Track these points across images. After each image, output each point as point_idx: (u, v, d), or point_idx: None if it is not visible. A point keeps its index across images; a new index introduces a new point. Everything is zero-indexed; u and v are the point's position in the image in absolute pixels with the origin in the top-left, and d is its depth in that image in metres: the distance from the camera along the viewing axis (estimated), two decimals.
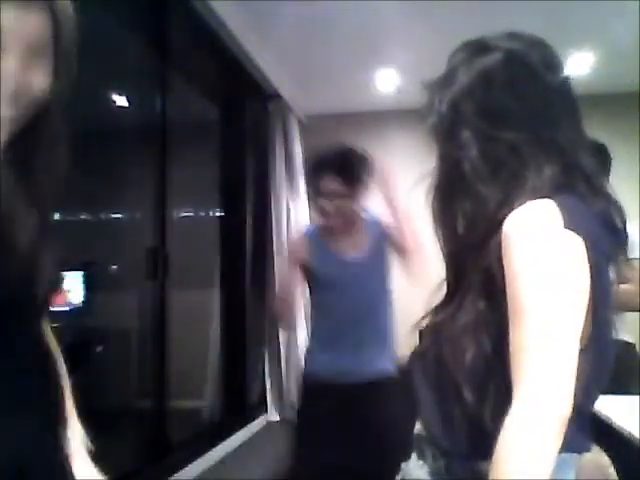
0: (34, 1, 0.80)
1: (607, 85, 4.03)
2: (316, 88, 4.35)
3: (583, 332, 0.84)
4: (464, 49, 1.00)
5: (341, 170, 2.05)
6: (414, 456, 1.03)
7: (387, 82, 4.20)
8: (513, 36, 0.98)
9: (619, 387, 1.90)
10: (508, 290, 0.83)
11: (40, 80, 0.82)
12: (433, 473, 0.95)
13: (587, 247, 0.83)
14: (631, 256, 2.17)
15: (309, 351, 2.29)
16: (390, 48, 3.68)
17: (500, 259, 0.85)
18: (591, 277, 0.83)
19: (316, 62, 3.88)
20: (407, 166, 4.56)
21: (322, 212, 2.12)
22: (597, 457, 1.29)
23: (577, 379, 0.85)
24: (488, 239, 0.87)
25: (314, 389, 2.18)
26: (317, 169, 2.09)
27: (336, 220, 2.12)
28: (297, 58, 3.83)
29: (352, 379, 2.09)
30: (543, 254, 0.82)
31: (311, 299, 2.31)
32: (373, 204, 2.24)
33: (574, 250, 0.82)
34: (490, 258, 0.87)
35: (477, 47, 0.98)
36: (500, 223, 0.86)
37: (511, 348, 0.82)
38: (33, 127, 0.84)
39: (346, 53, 3.69)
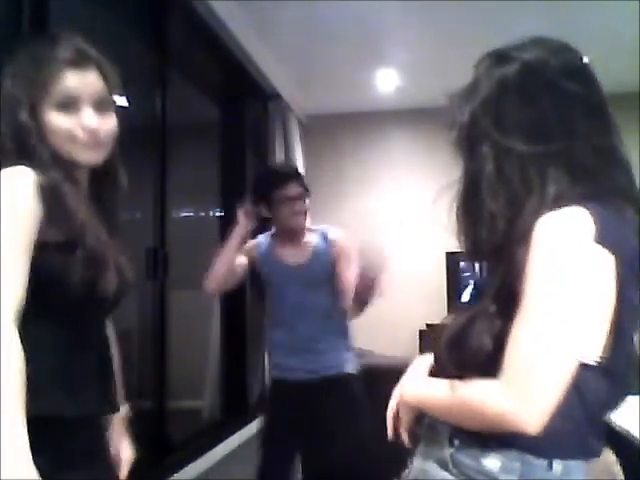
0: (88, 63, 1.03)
1: (607, 85, 4.01)
2: (316, 88, 4.35)
3: (605, 344, 0.85)
4: (487, 59, 1.00)
5: (300, 178, 2.43)
6: (421, 446, 1.04)
7: (387, 82, 4.20)
8: (535, 43, 0.97)
9: None
10: (524, 287, 0.83)
11: (109, 125, 1.08)
12: (439, 462, 0.96)
13: (617, 262, 0.82)
14: None
15: (272, 354, 2.50)
16: (390, 48, 3.69)
17: (521, 265, 0.84)
18: (617, 292, 0.83)
19: (316, 62, 3.88)
20: (407, 166, 4.59)
21: (293, 213, 2.35)
22: (604, 455, 1.30)
23: (593, 389, 0.86)
24: (505, 250, 0.88)
25: (278, 390, 2.39)
26: (283, 178, 2.38)
27: (303, 220, 2.39)
28: (297, 58, 3.83)
29: (309, 377, 2.28)
30: (566, 264, 0.82)
31: (266, 306, 2.50)
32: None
33: (599, 265, 0.82)
34: (507, 266, 0.87)
35: (497, 57, 0.98)
36: (515, 236, 0.87)
37: (510, 340, 0.83)
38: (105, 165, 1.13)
39: (346, 53, 3.69)
